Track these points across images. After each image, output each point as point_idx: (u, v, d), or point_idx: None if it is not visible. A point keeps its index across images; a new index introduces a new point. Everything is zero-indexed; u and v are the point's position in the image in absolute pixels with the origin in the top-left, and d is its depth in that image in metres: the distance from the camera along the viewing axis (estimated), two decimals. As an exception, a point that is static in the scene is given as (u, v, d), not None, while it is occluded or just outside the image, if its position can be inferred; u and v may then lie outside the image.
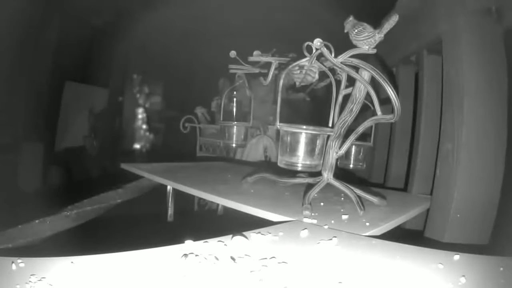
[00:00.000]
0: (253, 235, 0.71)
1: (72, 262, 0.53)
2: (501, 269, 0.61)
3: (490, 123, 1.05)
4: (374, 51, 0.94)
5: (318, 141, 1.02)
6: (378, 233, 0.83)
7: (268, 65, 1.40)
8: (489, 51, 1.06)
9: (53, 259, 0.57)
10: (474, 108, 1.04)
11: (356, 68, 0.96)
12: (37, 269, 0.53)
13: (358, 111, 1.01)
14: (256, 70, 1.54)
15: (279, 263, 0.59)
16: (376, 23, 0.94)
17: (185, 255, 0.59)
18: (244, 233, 0.71)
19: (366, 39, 0.92)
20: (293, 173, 1.14)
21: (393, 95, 0.86)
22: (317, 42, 0.93)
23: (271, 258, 0.61)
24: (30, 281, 0.49)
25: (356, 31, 0.93)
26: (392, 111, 0.90)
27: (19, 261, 0.55)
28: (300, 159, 1.02)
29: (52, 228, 1.07)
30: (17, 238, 0.94)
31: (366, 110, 1.13)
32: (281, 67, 1.36)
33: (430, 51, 1.32)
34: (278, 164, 1.06)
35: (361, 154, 1.47)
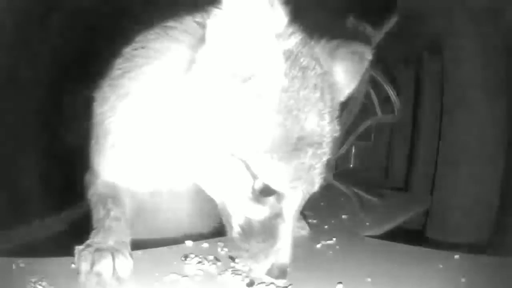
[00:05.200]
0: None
1: (72, 263, 0.53)
2: (501, 269, 0.61)
3: (490, 123, 1.05)
4: (374, 51, 0.94)
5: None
6: (378, 233, 0.83)
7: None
8: (489, 51, 1.06)
9: (53, 259, 0.57)
10: (474, 108, 1.04)
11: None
12: (37, 269, 0.53)
13: (358, 111, 1.01)
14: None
15: (279, 263, 0.59)
16: (376, 23, 0.94)
17: (185, 255, 0.59)
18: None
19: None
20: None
21: (393, 95, 0.86)
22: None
23: (271, 258, 0.60)
24: (30, 281, 0.49)
25: (356, 31, 0.93)
26: (392, 111, 0.90)
27: (19, 261, 0.55)
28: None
29: (53, 228, 1.07)
30: (17, 238, 0.94)
31: (366, 110, 1.13)
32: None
33: (430, 51, 1.32)
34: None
35: (360, 154, 1.47)
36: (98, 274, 0.50)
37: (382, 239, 0.76)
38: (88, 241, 0.55)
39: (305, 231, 0.74)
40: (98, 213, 0.63)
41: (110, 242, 0.55)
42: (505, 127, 1.05)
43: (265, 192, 0.51)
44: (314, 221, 0.85)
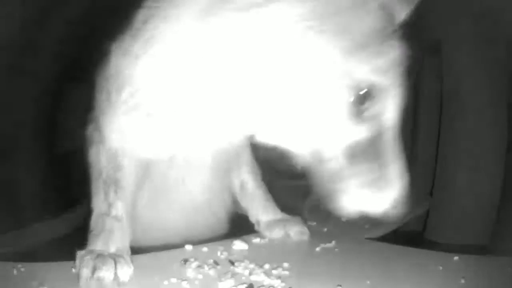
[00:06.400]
0: (252, 238, 0.71)
1: (72, 267, 0.54)
2: (501, 269, 0.61)
3: (490, 124, 1.05)
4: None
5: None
6: (378, 235, 0.83)
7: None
8: (489, 52, 1.06)
9: (53, 264, 0.57)
10: (474, 109, 1.05)
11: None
12: (38, 274, 0.53)
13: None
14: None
15: (278, 266, 0.59)
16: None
17: (185, 259, 0.59)
18: (244, 236, 0.71)
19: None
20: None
21: (393, 96, 0.86)
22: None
23: (271, 261, 0.61)
24: (30, 286, 0.49)
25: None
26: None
27: (19, 265, 0.55)
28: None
29: (53, 232, 1.07)
30: (17, 241, 0.94)
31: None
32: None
33: (430, 52, 1.32)
34: (278, 165, 1.06)
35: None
36: (99, 280, 0.50)
37: (381, 241, 0.76)
38: (89, 248, 0.55)
39: (305, 236, 0.74)
40: (98, 205, 0.60)
41: (112, 249, 0.55)
42: (505, 127, 1.05)
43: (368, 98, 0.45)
44: (313, 223, 0.85)
